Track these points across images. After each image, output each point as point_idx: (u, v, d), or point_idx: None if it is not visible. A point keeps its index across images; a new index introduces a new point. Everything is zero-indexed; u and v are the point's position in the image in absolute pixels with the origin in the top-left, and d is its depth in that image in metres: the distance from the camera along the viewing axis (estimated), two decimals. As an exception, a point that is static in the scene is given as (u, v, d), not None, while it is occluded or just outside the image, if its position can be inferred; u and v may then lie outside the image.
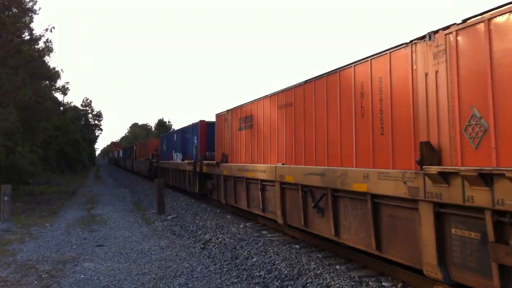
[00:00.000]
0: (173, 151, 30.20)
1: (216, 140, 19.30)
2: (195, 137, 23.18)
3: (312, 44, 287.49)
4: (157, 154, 38.04)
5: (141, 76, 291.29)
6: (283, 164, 12.22)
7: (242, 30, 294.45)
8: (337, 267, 9.31)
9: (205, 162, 19.90)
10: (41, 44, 29.20)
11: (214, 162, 18.21)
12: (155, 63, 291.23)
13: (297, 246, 11.42)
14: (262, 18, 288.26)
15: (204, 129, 22.34)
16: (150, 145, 43.17)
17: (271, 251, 10.95)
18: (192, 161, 22.12)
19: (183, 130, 27.18)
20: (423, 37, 7.25)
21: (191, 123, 24.64)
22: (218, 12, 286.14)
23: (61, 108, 59.58)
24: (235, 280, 8.75)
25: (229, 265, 9.97)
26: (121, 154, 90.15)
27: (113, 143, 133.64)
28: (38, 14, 29.90)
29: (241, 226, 14.82)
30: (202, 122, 22.59)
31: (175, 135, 30.29)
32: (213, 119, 20.90)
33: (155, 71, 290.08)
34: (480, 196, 5.76)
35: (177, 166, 26.98)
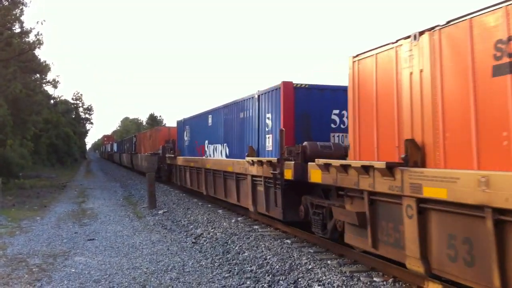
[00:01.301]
0: (206, 142, 19.92)
1: (364, 112, 8.90)
2: (269, 116, 13.20)
3: (304, 41, 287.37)
4: (170, 147, 27.95)
5: (132, 70, 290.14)
6: None
7: (233, 29, 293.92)
8: (329, 262, 9.35)
9: (322, 162, 9.50)
10: (31, 37, 28.97)
11: (379, 164, 7.66)
12: (146, 58, 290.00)
13: (289, 241, 11.45)
14: (253, 17, 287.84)
15: (291, 99, 12.40)
16: (159, 135, 33.49)
17: (263, 246, 10.97)
18: (276, 159, 11.67)
19: (230, 107, 16.82)
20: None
21: (255, 91, 14.29)
22: (210, 11, 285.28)
23: (52, 101, 59.31)
24: (226, 275, 8.77)
25: (220, 260, 9.98)
26: (115, 148, 77.80)
27: (105, 136, 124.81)
28: (28, 7, 29.71)
29: (233, 221, 14.83)
30: (286, 84, 12.40)
31: (210, 116, 19.51)
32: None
33: (146, 66, 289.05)
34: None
35: (221, 166, 16.80)
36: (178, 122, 26.41)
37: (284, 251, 10.36)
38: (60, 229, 13.98)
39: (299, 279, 8.26)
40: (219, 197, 17.66)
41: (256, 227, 13.68)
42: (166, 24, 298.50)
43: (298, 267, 9.02)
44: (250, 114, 14.72)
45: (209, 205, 19.04)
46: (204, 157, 19.74)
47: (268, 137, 13.19)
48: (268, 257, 9.91)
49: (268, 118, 13.25)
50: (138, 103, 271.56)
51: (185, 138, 24.20)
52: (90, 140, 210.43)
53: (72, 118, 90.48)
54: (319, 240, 10.84)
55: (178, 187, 26.42)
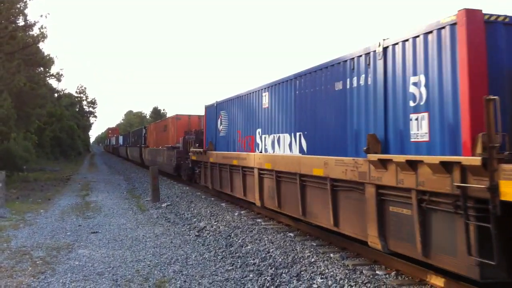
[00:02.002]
0: (258, 132, 14.21)
1: None
2: (417, 80, 7.55)
3: (306, 36, 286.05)
4: (193, 139, 22.87)
5: (134, 67, 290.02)
6: None
7: (235, 22, 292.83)
8: (331, 255, 9.36)
9: None
10: (35, 31, 29.04)
11: None
12: (148, 54, 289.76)
13: (292, 234, 11.46)
14: (256, 14, 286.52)
15: (481, 44, 6.63)
16: (178, 126, 27.78)
17: (266, 239, 10.99)
18: (477, 160, 5.88)
19: (311, 76, 11.04)
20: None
21: (377, 41, 8.63)
22: (211, 8, 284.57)
23: (56, 94, 59.35)
24: (229, 268, 8.79)
25: (223, 253, 10.00)
26: (120, 141, 72.97)
27: (109, 129, 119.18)
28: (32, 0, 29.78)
29: (236, 214, 14.84)
30: (472, 15, 6.63)
31: (266, 95, 13.75)
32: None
33: (150, 60, 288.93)
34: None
35: (297, 166, 10.96)
36: (208, 108, 20.45)
37: (287, 244, 10.38)
38: (64, 222, 14.03)
39: (302, 272, 8.27)
40: (290, 213, 11.82)
41: (259, 220, 13.69)
42: (169, 21, 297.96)
43: (301, 260, 9.03)
44: (363, 82, 8.94)
45: (212, 199, 19.07)
46: (257, 153, 13.96)
47: (418, 118, 7.47)
48: (271, 250, 9.93)
49: (416, 83, 7.55)
50: (142, 97, 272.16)
51: (219, 127, 18.48)
52: (93, 134, 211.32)
53: (75, 111, 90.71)
54: (322, 234, 10.83)
55: (185, 182, 26.38)
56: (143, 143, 42.03)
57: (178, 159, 24.97)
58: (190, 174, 23.36)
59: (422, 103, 7.37)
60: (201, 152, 19.82)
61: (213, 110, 19.50)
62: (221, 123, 18.33)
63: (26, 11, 29.08)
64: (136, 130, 53.73)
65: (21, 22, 28.61)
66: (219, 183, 17.81)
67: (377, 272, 8.17)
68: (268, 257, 9.40)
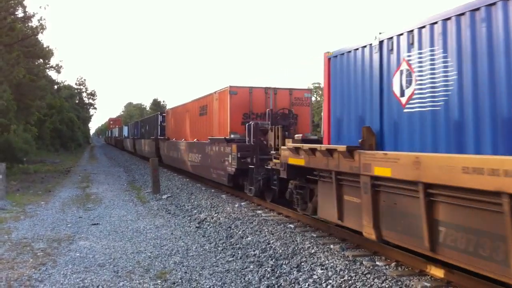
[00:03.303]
0: None
1: None
2: None
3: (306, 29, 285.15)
4: (267, 128, 14.55)
5: (135, 56, 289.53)
6: None
7: (235, 14, 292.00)
8: (331, 246, 9.38)
9: None
10: (34, 22, 28.95)
11: None
12: (149, 43, 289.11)
13: (292, 226, 11.48)
14: (255, 5, 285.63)
15: None
16: (231, 105, 16.35)
17: (266, 230, 11.01)
18: None
19: None
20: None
21: None
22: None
23: (55, 86, 59.25)
24: (230, 259, 8.81)
25: (224, 244, 10.03)
26: (125, 132, 62.54)
27: (111, 120, 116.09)
28: (31, -9, 29.71)
29: (236, 205, 14.86)
30: None
31: None
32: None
33: (148, 52, 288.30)
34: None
35: None
36: (340, 57, 9.66)
37: (287, 235, 10.40)
38: (64, 213, 14.06)
39: (302, 263, 8.29)
40: None
41: (259, 212, 13.71)
42: (168, 12, 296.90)
43: (301, 251, 9.05)
44: None
45: (213, 190, 19.08)
46: None
47: None
48: (271, 241, 9.95)
49: None
50: (141, 89, 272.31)
51: (402, 93, 7.75)
52: (93, 126, 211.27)
53: (75, 103, 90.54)
54: (322, 225, 10.86)
55: (181, 172, 26.34)
56: (159, 134, 32.20)
57: (241, 161, 15.07)
58: (268, 189, 14.29)
59: None
60: (327, 151, 8.90)
61: (362, 59, 8.95)
62: (408, 83, 7.65)
63: (25, 2, 29.03)
64: (148, 118, 43.12)
65: (20, 14, 28.54)
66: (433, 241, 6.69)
67: (377, 263, 8.19)
68: (268, 248, 9.43)
